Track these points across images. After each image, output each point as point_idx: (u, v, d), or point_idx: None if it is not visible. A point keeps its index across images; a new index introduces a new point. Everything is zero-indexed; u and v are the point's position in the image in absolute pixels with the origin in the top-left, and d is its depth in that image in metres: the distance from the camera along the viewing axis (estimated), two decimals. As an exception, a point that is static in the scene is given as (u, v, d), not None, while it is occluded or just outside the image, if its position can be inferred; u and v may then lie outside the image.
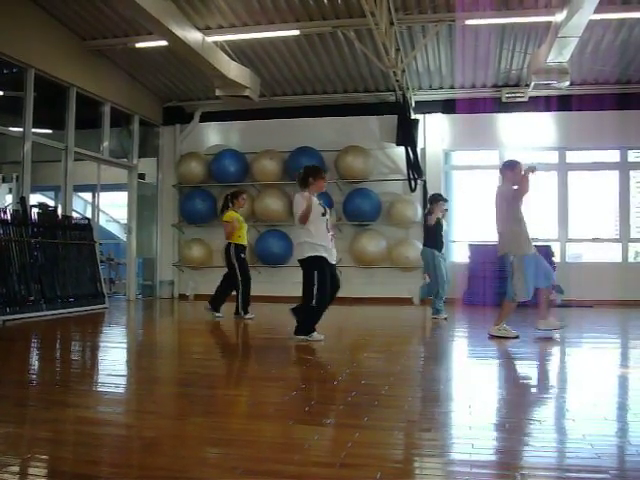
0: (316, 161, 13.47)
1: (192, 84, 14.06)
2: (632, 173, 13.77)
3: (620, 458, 3.33)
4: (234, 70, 11.77)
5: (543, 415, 4.21)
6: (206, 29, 11.01)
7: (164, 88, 14.43)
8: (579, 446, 3.42)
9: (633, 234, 13.67)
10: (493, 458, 3.29)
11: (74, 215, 12.22)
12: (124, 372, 6.00)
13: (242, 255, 10.14)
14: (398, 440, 3.70)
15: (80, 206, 16.62)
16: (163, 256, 15.07)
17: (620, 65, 12.24)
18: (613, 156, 13.78)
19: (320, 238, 7.33)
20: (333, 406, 4.37)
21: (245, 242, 10.24)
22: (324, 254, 7.30)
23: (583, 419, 4.02)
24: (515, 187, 7.85)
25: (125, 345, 7.97)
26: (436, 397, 4.72)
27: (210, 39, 11.01)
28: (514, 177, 7.95)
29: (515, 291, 7.59)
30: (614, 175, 13.66)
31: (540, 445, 3.46)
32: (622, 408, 4.44)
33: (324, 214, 7.44)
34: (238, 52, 12.06)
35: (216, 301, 10.29)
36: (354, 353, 6.95)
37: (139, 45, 11.78)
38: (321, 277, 7.24)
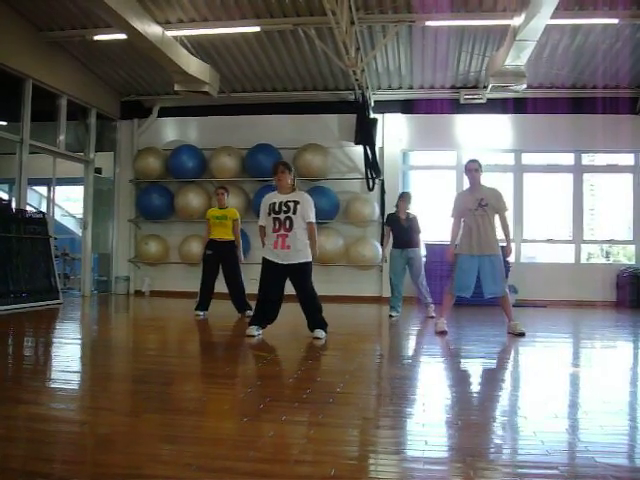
0: (274, 158, 13.48)
1: (151, 78, 13.94)
2: (585, 176, 14.02)
3: (570, 454, 3.39)
4: (194, 65, 11.70)
5: (495, 413, 4.27)
6: (166, 23, 10.91)
7: (122, 82, 14.27)
8: (530, 443, 3.50)
9: (586, 236, 13.93)
10: (446, 455, 3.34)
11: (28, 209, 12.01)
12: (78, 368, 5.93)
13: (206, 251, 10.03)
14: (352, 437, 3.73)
15: (35, 200, 16.38)
16: (119, 252, 14.93)
17: (575, 70, 12.46)
18: (567, 159, 14.01)
19: (268, 238, 7.48)
20: (288, 403, 4.38)
21: (215, 236, 9.97)
22: (268, 256, 7.47)
23: (534, 417, 4.09)
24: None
25: (79, 341, 7.87)
26: (391, 395, 4.76)
27: (170, 33, 10.92)
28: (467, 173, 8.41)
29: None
30: (568, 177, 13.89)
31: (492, 442, 3.52)
32: (572, 406, 4.53)
33: (270, 214, 7.42)
34: (198, 47, 11.99)
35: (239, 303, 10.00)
36: (310, 351, 6.97)
37: (97, 37, 11.61)
38: (261, 277, 7.54)
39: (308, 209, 7.44)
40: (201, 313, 9.86)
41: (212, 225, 9.91)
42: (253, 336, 7.45)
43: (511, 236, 8.39)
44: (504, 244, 8.25)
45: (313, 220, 7.50)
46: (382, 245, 11.50)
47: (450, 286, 8.33)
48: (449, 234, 8.45)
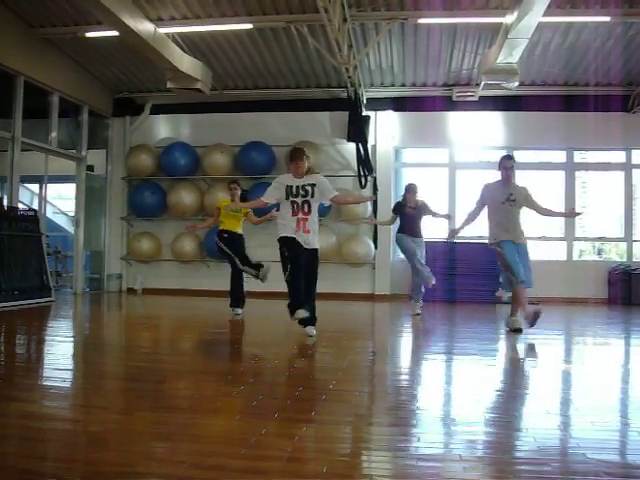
0: (266, 156, 13.53)
1: (143, 76, 13.91)
2: (577, 173, 14.08)
3: (561, 450, 3.41)
4: (186, 62, 11.68)
5: (487, 409, 4.28)
6: (158, 20, 10.89)
7: (114, 79, 14.24)
8: (522, 439, 3.52)
9: (578, 233, 13.99)
10: (439, 452, 3.34)
11: (20, 206, 11.99)
12: (70, 366, 5.93)
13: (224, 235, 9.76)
14: (345, 434, 3.73)
15: (27, 197, 16.30)
16: (111, 249, 14.90)
17: (567, 67, 12.49)
18: (559, 156, 14.06)
19: (286, 221, 7.39)
20: (281, 400, 4.39)
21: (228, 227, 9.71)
22: (290, 234, 7.33)
23: (526, 413, 4.12)
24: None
25: (72, 339, 7.85)
26: (383, 392, 4.77)
27: (162, 30, 10.90)
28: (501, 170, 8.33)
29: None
30: (560, 175, 13.93)
31: (484, 439, 3.53)
32: (564, 402, 4.55)
33: (287, 197, 7.36)
34: (190, 44, 11.97)
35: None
36: (302, 348, 6.98)
37: (89, 34, 11.59)
38: (288, 255, 7.33)
39: (326, 188, 7.47)
40: (240, 311, 9.67)
41: (225, 216, 9.65)
42: (305, 317, 7.30)
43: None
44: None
45: (336, 193, 7.61)
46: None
47: (512, 279, 8.02)
48: (465, 216, 8.50)
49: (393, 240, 11.54)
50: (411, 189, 10.39)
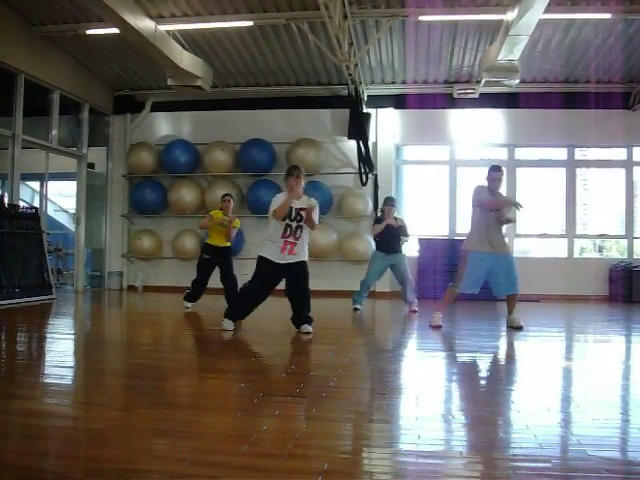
0: (267, 154, 13.52)
1: (144, 73, 13.91)
2: (578, 171, 14.07)
3: (562, 447, 3.41)
4: (186, 60, 11.68)
5: (488, 406, 4.28)
6: (159, 18, 10.89)
7: (115, 77, 14.24)
8: (523, 436, 3.51)
9: (579, 230, 13.99)
10: (439, 449, 3.34)
11: (21, 204, 11.98)
12: (71, 363, 5.93)
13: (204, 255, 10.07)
14: (346, 431, 3.73)
15: (27, 195, 16.32)
16: (112, 247, 14.92)
17: (568, 65, 12.49)
18: (560, 153, 14.06)
19: (274, 242, 7.40)
20: (281, 398, 4.38)
21: (215, 242, 9.97)
22: (270, 256, 7.39)
23: (527, 410, 4.11)
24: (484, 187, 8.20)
25: (72, 336, 7.85)
26: (383, 389, 4.76)
27: (163, 28, 10.90)
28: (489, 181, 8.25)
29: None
30: (561, 172, 13.93)
31: (485, 436, 3.53)
32: (565, 399, 4.55)
33: (285, 218, 7.30)
34: (191, 42, 11.97)
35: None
36: (303, 346, 6.98)
37: (90, 32, 11.59)
38: (259, 278, 7.50)
39: (316, 216, 7.44)
40: (189, 305, 10.14)
41: (213, 227, 9.86)
42: (232, 331, 7.53)
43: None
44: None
45: (317, 223, 7.52)
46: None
47: (455, 283, 8.27)
48: (471, 224, 8.36)
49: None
50: (387, 203, 10.38)
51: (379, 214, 10.68)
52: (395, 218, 10.27)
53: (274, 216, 7.28)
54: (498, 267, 8.04)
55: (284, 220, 7.30)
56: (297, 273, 7.46)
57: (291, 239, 7.32)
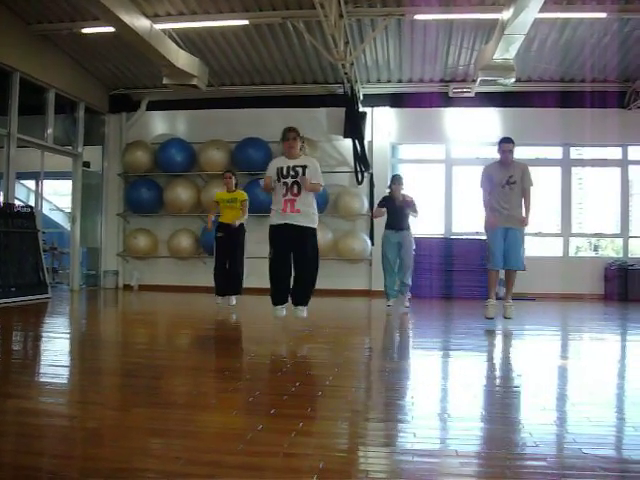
0: (263, 152, 13.51)
1: (139, 72, 13.89)
2: (574, 170, 14.10)
3: (558, 446, 3.41)
4: (182, 59, 11.67)
5: (484, 405, 4.29)
6: (154, 17, 10.88)
7: (110, 75, 14.22)
8: (518, 434, 3.51)
9: (574, 229, 14.02)
10: (435, 447, 3.34)
11: (16, 203, 11.95)
12: (67, 363, 5.91)
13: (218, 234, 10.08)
14: (341, 430, 3.73)
15: (23, 194, 16.30)
16: (107, 246, 14.90)
17: (564, 64, 12.51)
18: (556, 152, 14.08)
19: (276, 203, 7.38)
20: (277, 396, 4.38)
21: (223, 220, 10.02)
22: (276, 221, 7.35)
23: (522, 409, 4.12)
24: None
25: (68, 335, 7.85)
26: (379, 388, 4.77)
27: (158, 27, 10.90)
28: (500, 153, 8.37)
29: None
30: (556, 171, 13.95)
31: (480, 434, 3.53)
32: (560, 398, 4.55)
33: (279, 179, 7.31)
34: (186, 41, 11.97)
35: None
36: (299, 344, 6.98)
37: (85, 31, 11.58)
38: (272, 243, 7.40)
39: (316, 173, 7.37)
40: (220, 300, 10.06)
41: (222, 208, 10.00)
42: (282, 316, 7.49)
43: (531, 210, 8.34)
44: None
45: (321, 182, 7.46)
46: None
47: (487, 263, 8.39)
48: (482, 205, 8.46)
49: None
50: (395, 181, 10.37)
51: (387, 191, 10.55)
52: (403, 195, 10.25)
53: (262, 190, 7.41)
54: (509, 240, 8.19)
55: (279, 181, 7.31)
56: (303, 237, 7.32)
57: (290, 196, 7.28)
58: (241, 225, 9.94)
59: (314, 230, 7.43)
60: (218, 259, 10.04)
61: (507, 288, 8.37)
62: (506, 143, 8.26)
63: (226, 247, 9.94)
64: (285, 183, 7.29)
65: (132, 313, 11.19)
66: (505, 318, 8.24)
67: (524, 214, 8.28)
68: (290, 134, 7.52)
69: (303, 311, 7.46)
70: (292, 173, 7.29)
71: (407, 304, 10.21)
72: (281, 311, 7.50)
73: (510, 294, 8.36)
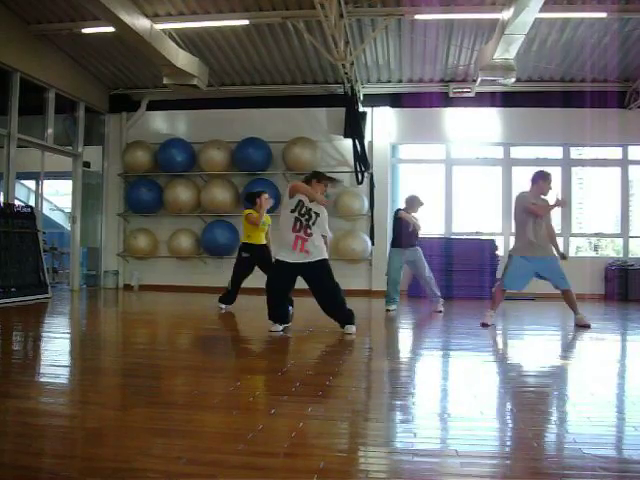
0: (263, 152, 13.52)
1: (139, 72, 13.89)
2: (574, 169, 14.10)
3: (557, 445, 3.42)
4: (182, 59, 11.67)
5: (483, 405, 4.29)
6: (154, 17, 10.87)
7: (111, 75, 14.21)
8: (518, 435, 3.52)
9: (574, 229, 14.02)
10: (435, 447, 3.35)
11: (17, 203, 11.96)
12: (67, 363, 5.92)
13: (243, 254, 9.99)
14: (342, 430, 3.74)
15: (23, 194, 16.31)
16: (108, 246, 14.90)
17: (564, 63, 12.50)
18: (556, 152, 14.08)
19: (285, 236, 7.44)
20: (277, 396, 4.39)
21: (254, 241, 9.89)
22: (284, 257, 7.41)
23: (522, 409, 4.11)
24: (533, 202, 8.41)
25: (68, 335, 7.85)
26: (380, 388, 4.78)
27: (158, 27, 10.89)
28: (539, 188, 8.60)
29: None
30: (557, 171, 13.93)
31: (480, 434, 3.53)
32: (560, 398, 4.55)
33: (294, 211, 7.40)
34: (187, 41, 11.97)
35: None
36: (299, 344, 6.98)
37: (85, 31, 11.57)
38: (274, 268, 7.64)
39: (325, 223, 7.54)
40: (223, 306, 10.03)
41: (260, 230, 9.83)
42: (277, 331, 7.49)
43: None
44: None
45: (329, 235, 7.66)
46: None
47: (500, 282, 8.60)
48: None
49: (389, 236, 11.50)
50: (413, 202, 10.36)
51: (400, 212, 10.50)
52: (414, 225, 10.28)
53: (292, 189, 7.40)
54: (545, 268, 8.35)
55: (293, 212, 7.38)
56: (316, 270, 7.45)
57: (302, 234, 7.35)
58: (265, 245, 9.98)
59: (325, 260, 7.54)
60: (237, 278, 9.99)
61: (571, 305, 8.68)
62: (549, 176, 8.63)
63: (248, 268, 9.95)
64: (298, 220, 7.38)
65: (132, 313, 11.19)
66: (583, 326, 8.47)
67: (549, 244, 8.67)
68: (325, 181, 7.80)
69: (351, 328, 7.50)
70: (307, 216, 7.42)
71: (440, 308, 10.18)
72: (276, 327, 7.55)
73: (575, 307, 8.69)
